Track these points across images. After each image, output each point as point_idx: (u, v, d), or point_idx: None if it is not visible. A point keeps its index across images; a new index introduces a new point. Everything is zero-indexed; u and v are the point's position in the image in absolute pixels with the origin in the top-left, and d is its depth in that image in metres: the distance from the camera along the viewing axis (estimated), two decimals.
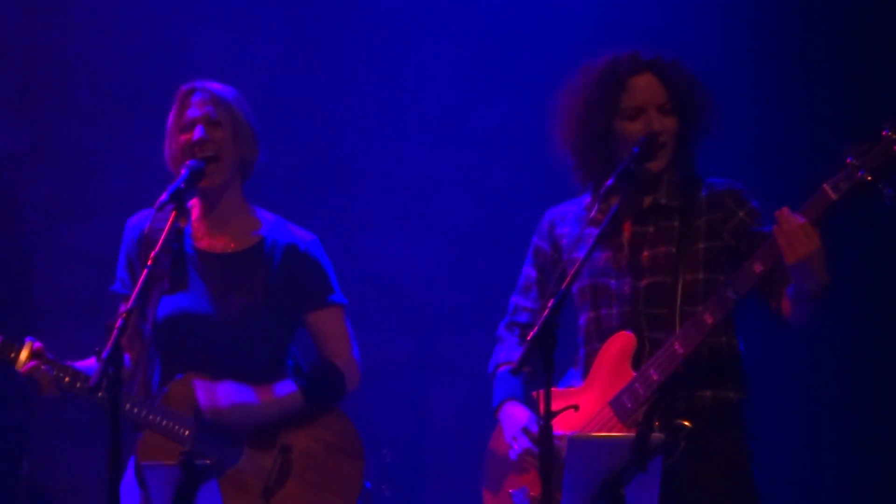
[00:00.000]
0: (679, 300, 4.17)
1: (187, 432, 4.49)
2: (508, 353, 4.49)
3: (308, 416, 4.59)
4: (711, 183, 4.31)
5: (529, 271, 4.52)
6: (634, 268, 4.27)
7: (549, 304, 3.74)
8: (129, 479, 4.48)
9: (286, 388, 4.58)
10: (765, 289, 4.10)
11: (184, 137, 4.61)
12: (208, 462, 3.79)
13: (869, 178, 3.82)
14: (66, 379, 4.48)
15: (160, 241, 4.26)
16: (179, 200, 4.38)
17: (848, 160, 3.86)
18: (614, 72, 4.25)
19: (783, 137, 6.36)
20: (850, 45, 6.36)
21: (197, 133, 4.60)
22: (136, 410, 4.48)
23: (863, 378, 6.32)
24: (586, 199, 4.40)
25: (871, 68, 6.29)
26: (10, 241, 6.75)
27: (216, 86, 4.69)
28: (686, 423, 3.89)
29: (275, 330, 4.66)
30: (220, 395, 4.51)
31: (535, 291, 4.48)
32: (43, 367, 4.46)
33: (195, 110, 4.63)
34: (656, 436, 3.55)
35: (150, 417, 4.48)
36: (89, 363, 4.56)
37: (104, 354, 3.85)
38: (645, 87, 4.24)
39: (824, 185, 3.88)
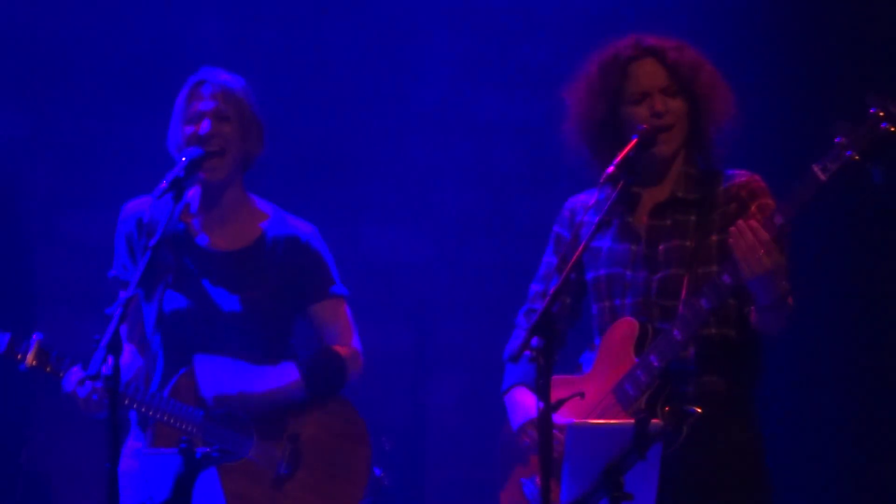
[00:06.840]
0: (686, 293, 4.15)
1: (195, 429, 4.50)
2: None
3: (310, 400, 4.59)
4: (730, 175, 4.29)
5: (550, 259, 4.50)
6: (650, 261, 4.26)
7: (551, 291, 3.74)
8: (125, 467, 4.48)
9: (287, 372, 4.59)
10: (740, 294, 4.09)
11: (190, 129, 4.60)
12: (208, 449, 3.78)
13: (857, 157, 3.81)
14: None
15: (159, 231, 4.24)
16: (178, 188, 4.36)
17: (836, 140, 3.85)
18: (616, 59, 4.27)
19: (773, 121, 6.32)
20: (841, 28, 6.35)
21: (204, 127, 4.58)
22: (143, 408, 4.49)
23: (880, 367, 6.29)
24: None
25: (863, 50, 6.28)
26: (9, 230, 6.74)
27: (226, 77, 4.67)
28: (697, 410, 3.88)
29: (278, 324, 4.67)
30: (223, 381, 4.51)
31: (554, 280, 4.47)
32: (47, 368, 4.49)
33: (204, 103, 4.61)
34: (656, 423, 3.55)
35: (159, 413, 4.48)
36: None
37: (103, 342, 3.85)
38: (647, 72, 4.25)
39: (813, 167, 3.87)
